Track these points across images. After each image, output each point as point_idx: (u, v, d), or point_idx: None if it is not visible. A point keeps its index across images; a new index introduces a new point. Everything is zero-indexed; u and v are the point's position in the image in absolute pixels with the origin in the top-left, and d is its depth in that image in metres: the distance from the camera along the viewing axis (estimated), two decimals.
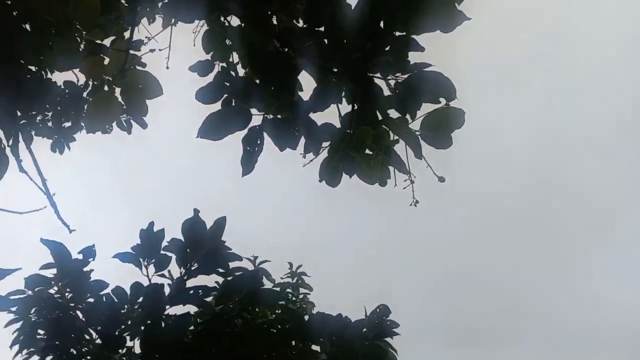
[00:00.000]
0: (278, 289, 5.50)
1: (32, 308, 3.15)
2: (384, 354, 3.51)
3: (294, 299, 5.81)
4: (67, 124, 5.39)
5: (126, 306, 2.94)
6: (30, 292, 3.12)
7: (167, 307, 3.08)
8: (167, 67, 3.03)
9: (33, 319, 3.14)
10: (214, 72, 3.65)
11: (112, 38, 3.52)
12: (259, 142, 2.89)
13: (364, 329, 3.57)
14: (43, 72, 2.39)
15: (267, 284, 5.34)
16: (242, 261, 3.37)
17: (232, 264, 5.24)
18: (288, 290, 5.91)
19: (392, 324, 4.31)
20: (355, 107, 2.56)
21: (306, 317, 4.99)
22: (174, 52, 3.68)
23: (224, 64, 3.76)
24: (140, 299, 2.93)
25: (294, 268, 6.11)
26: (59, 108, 5.15)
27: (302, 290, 6.01)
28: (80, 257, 3.01)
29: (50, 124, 5.31)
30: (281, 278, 6.00)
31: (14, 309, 3.10)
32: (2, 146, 2.10)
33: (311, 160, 2.59)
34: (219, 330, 2.99)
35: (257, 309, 3.90)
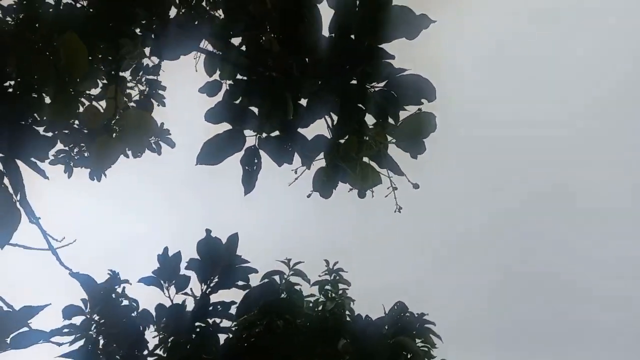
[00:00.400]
0: (317, 287, 5.62)
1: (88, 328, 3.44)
2: (406, 349, 3.59)
3: (333, 295, 5.93)
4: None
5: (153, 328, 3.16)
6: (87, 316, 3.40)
7: (194, 324, 3.29)
8: (165, 105, 3.21)
9: (93, 336, 3.43)
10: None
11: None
12: (256, 161, 3.03)
13: (386, 327, 3.66)
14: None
15: (304, 284, 5.51)
16: (258, 273, 3.51)
17: (266, 269, 5.43)
18: (327, 287, 6.04)
19: (412, 318, 4.39)
20: (336, 119, 2.64)
21: (347, 313, 5.12)
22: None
23: (231, 82, 3.92)
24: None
25: (330, 265, 6.23)
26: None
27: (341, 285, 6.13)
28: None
29: (86, 154, 5.70)
30: (319, 276, 6.13)
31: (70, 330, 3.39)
32: (12, 200, 2.32)
33: (295, 179, 2.69)
34: (239, 342, 3.15)
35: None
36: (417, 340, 5.00)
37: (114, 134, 2.49)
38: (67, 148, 5.04)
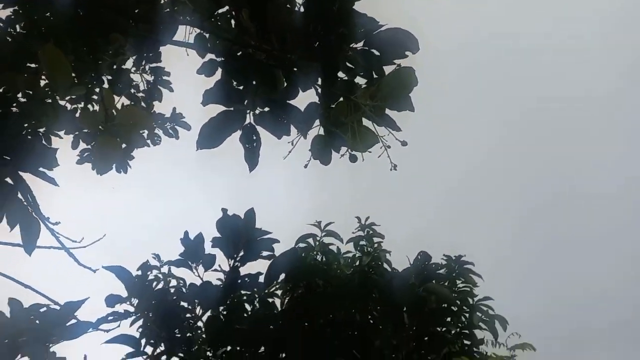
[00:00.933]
0: (351, 243, 5.72)
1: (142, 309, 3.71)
2: (436, 294, 3.66)
3: (369, 249, 6.00)
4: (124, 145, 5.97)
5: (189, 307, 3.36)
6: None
7: (226, 297, 3.48)
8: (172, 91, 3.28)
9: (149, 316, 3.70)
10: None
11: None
12: (254, 137, 3.07)
13: (412, 276, 3.74)
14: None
15: (338, 244, 5.62)
16: (280, 242, 3.62)
17: (299, 233, 5.55)
18: (362, 242, 6.12)
19: (450, 261, 4.41)
20: (320, 86, 2.64)
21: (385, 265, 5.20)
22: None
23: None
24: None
25: (362, 221, 6.29)
26: None
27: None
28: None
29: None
30: (352, 233, 6.20)
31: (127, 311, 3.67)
32: (29, 212, 2.49)
33: (290, 151, 2.72)
34: (269, 310, 3.32)
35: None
36: (458, 282, 5.06)
37: (108, 134, 2.59)
38: (89, 146, 5.24)
